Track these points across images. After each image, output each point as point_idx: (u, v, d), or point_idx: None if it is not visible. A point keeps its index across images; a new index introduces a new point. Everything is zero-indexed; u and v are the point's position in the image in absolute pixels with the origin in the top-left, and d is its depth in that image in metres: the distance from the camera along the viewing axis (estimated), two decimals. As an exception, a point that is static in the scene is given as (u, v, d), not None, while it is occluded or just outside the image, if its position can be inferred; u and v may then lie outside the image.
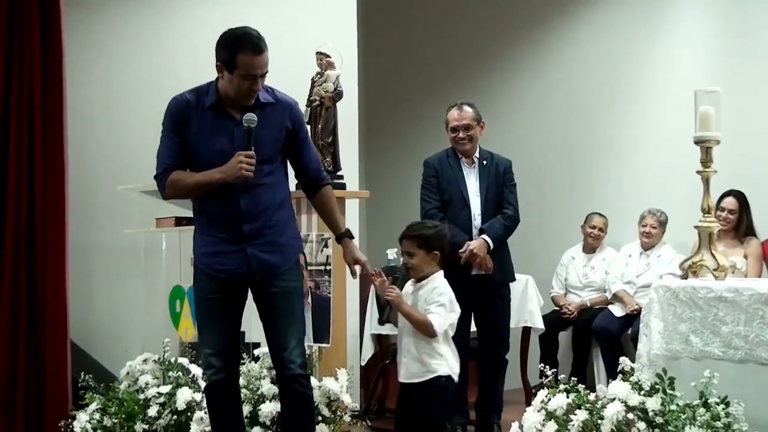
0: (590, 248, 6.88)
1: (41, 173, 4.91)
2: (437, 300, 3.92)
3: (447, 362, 3.92)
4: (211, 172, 3.66)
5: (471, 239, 5.12)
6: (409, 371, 3.94)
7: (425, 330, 3.87)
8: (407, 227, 4.08)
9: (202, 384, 4.53)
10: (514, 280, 5.39)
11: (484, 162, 5.24)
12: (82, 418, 4.59)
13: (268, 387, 4.42)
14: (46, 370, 4.87)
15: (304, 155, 3.90)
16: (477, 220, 5.19)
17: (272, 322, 3.79)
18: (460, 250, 5.05)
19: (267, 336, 3.83)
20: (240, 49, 3.57)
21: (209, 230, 3.75)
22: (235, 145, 3.65)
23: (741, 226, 6.04)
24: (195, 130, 3.71)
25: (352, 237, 3.96)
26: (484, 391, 5.30)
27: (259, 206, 3.73)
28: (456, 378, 3.95)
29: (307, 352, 4.64)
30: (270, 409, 4.31)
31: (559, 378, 3.81)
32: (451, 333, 3.97)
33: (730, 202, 6.02)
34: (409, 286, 4.07)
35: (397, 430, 4.09)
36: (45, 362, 4.88)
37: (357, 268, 3.95)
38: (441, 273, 4.03)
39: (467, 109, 5.22)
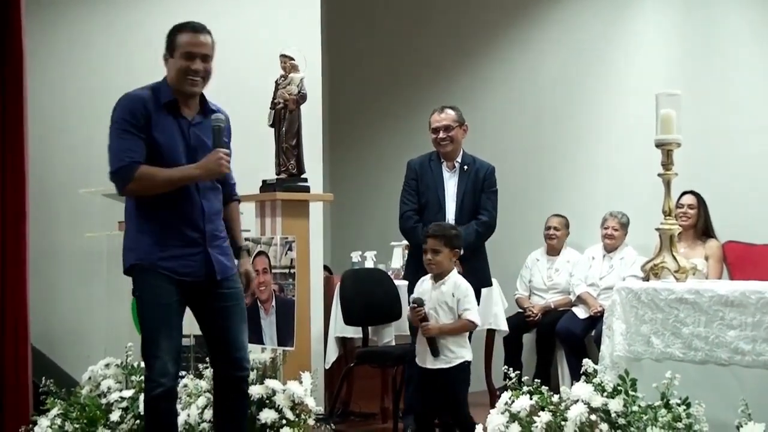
0: (553, 250, 6.91)
1: (1, 176, 4.85)
2: (466, 296, 4.46)
3: (469, 348, 4.53)
4: (187, 169, 3.67)
5: (444, 244, 5.13)
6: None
7: (469, 329, 4.54)
8: (432, 228, 4.55)
9: None
10: (489, 285, 5.46)
11: (465, 167, 5.23)
12: (43, 424, 4.54)
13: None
14: (6, 374, 4.81)
15: None
16: None
17: (227, 322, 3.80)
18: None
19: (219, 336, 3.82)
20: (180, 29, 3.73)
21: (170, 232, 3.69)
22: (191, 145, 3.71)
23: (699, 224, 6.11)
24: (154, 127, 3.67)
25: (249, 254, 4.22)
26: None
27: (214, 209, 3.81)
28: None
29: (272, 355, 4.64)
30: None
31: (522, 380, 3.82)
32: None
33: (688, 199, 6.10)
34: (428, 282, 4.53)
35: (424, 410, 4.61)
36: (5, 367, 4.82)
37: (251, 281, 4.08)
38: (456, 270, 4.54)
39: (448, 111, 5.25)
